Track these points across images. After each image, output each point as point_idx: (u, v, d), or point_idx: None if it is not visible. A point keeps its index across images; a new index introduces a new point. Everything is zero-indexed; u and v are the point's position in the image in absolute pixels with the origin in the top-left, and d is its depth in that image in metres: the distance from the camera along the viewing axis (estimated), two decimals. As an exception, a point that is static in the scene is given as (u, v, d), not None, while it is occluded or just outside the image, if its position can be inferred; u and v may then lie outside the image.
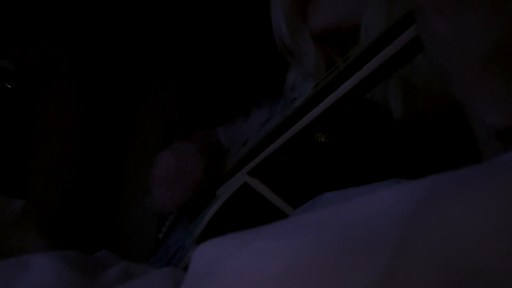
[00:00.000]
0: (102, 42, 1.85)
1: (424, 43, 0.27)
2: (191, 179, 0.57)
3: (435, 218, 0.14)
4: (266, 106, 0.67)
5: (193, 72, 1.83)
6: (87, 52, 1.78)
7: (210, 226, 0.43)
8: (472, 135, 0.27)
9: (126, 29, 1.94)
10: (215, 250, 0.18)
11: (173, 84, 1.88)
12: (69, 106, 1.68)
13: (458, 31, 0.23)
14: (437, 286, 0.12)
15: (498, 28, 0.22)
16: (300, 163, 0.51)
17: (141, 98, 1.95)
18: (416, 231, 0.14)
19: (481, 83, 0.23)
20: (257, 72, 1.55)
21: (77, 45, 1.73)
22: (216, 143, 0.73)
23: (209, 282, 0.16)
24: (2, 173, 1.38)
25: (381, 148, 0.48)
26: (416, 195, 0.15)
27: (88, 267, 0.31)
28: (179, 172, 0.58)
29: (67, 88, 1.68)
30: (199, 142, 0.63)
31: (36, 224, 0.42)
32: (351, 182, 0.37)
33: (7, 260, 0.30)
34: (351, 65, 0.35)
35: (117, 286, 0.30)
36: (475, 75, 0.23)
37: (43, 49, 1.59)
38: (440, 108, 0.45)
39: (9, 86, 1.49)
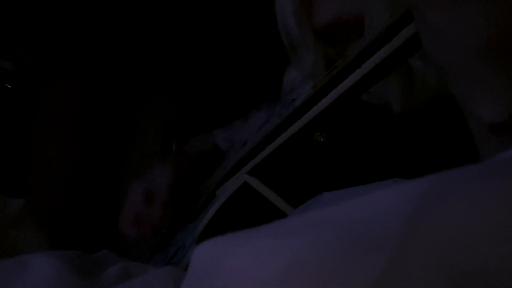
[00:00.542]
0: (102, 42, 1.85)
1: (421, 38, 0.27)
2: (155, 215, 0.58)
3: (435, 217, 0.13)
4: (264, 108, 0.68)
5: (193, 73, 1.83)
6: (87, 52, 1.78)
7: (210, 226, 0.43)
8: (468, 132, 0.27)
9: (126, 29, 1.94)
10: (215, 249, 0.18)
11: (173, 84, 1.88)
12: (69, 106, 1.68)
13: (454, 23, 0.23)
14: (437, 286, 0.12)
15: (494, 19, 0.21)
16: (299, 163, 0.51)
17: (141, 98, 1.95)
18: (416, 230, 0.14)
19: (477, 76, 0.23)
20: (256, 73, 1.55)
21: (77, 45, 1.73)
22: (211, 148, 0.73)
23: (209, 281, 0.16)
24: (2, 172, 1.38)
25: (379, 148, 0.49)
26: (416, 194, 0.15)
27: (88, 267, 0.31)
28: (143, 206, 0.59)
29: (67, 88, 1.68)
30: (166, 167, 0.63)
31: (36, 223, 0.42)
32: (350, 182, 0.37)
33: (7, 260, 0.30)
34: (350, 64, 0.35)
35: (117, 285, 0.30)
36: (470, 68, 0.23)
37: (43, 49, 1.59)
38: (436, 101, 0.45)
39: (9, 86, 1.49)
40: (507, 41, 0.21)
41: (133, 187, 0.62)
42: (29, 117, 1.52)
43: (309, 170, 0.51)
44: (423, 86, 0.46)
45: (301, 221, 0.17)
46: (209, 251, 0.18)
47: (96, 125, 1.78)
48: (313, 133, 0.51)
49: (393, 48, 0.32)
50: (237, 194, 0.43)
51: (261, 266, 0.15)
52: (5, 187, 1.37)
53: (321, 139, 0.51)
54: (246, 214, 0.42)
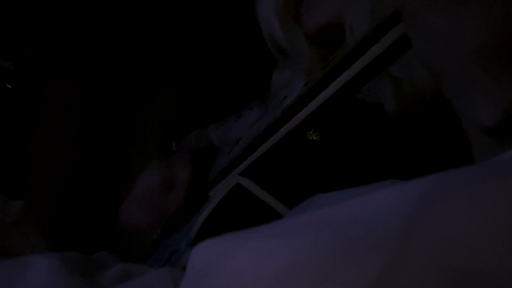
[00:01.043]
0: (102, 42, 1.85)
1: (413, 40, 0.27)
2: (172, 204, 0.55)
3: (435, 217, 0.14)
4: (256, 106, 0.67)
5: (193, 73, 1.83)
6: (87, 52, 1.77)
7: (204, 228, 0.43)
8: (462, 133, 0.27)
9: (126, 29, 1.94)
10: (213, 250, 0.18)
11: (173, 84, 1.88)
12: (69, 106, 1.68)
13: (450, 25, 0.23)
14: (437, 286, 0.12)
15: (492, 21, 0.21)
16: (293, 163, 0.50)
17: (141, 98, 1.95)
18: (416, 231, 0.14)
19: (472, 78, 0.23)
20: (252, 72, 1.54)
21: (77, 45, 1.73)
22: (206, 145, 0.72)
23: (207, 281, 0.16)
24: (2, 173, 1.38)
25: (374, 148, 0.48)
26: (415, 194, 0.15)
27: (88, 268, 0.31)
28: (160, 193, 0.56)
29: (67, 88, 1.67)
30: (185, 163, 0.61)
31: (36, 224, 0.42)
32: (344, 182, 0.37)
33: (6, 261, 0.30)
34: (341, 63, 0.35)
35: (116, 286, 0.30)
36: (466, 71, 0.23)
37: (43, 49, 1.59)
38: (426, 98, 0.46)
39: (9, 86, 1.49)
40: (504, 43, 0.21)
41: (149, 172, 0.59)
42: (29, 117, 1.52)
43: (303, 170, 0.51)
44: (412, 88, 0.46)
45: (300, 221, 0.17)
46: (207, 251, 0.18)
47: (96, 125, 1.78)
48: (305, 132, 0.51)
49: (384, 47, 0.32)
50: (230, 196, 0.43)
51: (260, 266, 0.15)
52: (5, 188, 1.37)
53: (314, 138, 0.51)
54: (240, 215, 0.42)
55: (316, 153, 0.51)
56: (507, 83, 0.22)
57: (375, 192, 0.17)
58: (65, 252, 0.32)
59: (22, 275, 0.29)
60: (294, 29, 0.57)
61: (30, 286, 0.28)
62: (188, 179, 0.55)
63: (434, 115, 0.46)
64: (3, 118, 1.44)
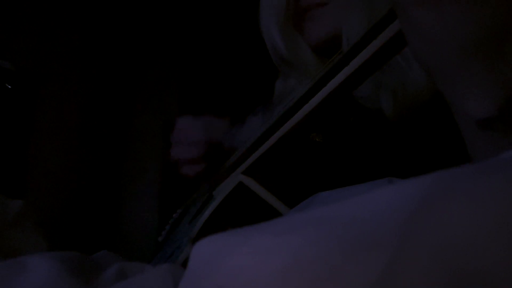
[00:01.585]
0: (102, 42, 1.85)
1: (407, 37, 0.27)
2: (212, 137, 0.59)
3: (436, 216, 0.14)
4: (260, 113, 0.68)
5: (193, 73, 1.83)
6: (87, 52, 1.78)
7: (206, 226, 0.43)
8: (458, 134, 0.27)
9: (126, 29, 1.94)
10: (214, 247, 0.18)
11: (173, 84, 1.88)
12: (69, 106, 1.68)
13: (439, 21, 0.23)
14: (437, 284, 0.12)
15: (480, 17, 0.21)
16: (295, 163, 0.51)
17: (141, 98, 1.95)
18: (417, 229, 0.14)
19: (463, 72, 0.23)
20: (253, 76, 1.55)
21: (77, 45, 1.73)
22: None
23: (208, 278, 0.16)
24: (1, 173, 1.38)
25: (374, 148, 0.49)
26: (416, 193, 0.15)
27: (87, 268, 0.31)
28: (201, 129, 0.59)
29: (67, 88, 1.68)
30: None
31: (35, 224, 0.42)
32: (345, 182, 0.37)
33: (5, 261, 0.30)
34: (339, 62, 0.36)
35: (116, 284, 0.30)
36: (456, 65, 0.23)
37: (43, 49, 1.59)
38: (420, 100, 0.47)
39: (9, 86, 1.49)
40: (492, 37, 0.21)
41: (185, 118, 0.63)
42: (29, 117, 1.52)
43: (304, 170, 0.51)
44: (406, 93, 0.48)
45: (301, 219, 0.17)
46: (208, 249, 0.18)
47: (96, 125, 1.78)
48: (307, 132, 0.51)
49: (378, 45, 0.33)
50: (233, 195, 0.43)
51: (260, 264, 0.15)
52: (5, 187, 1.37)
53: (317, 140, 0.52)
54: (242, 214, 0.43)
55: (318, 154, 0.51)
56: (495, 75, 0.22)
57: (376, 190, 0.16)
58: (64, 252, 0.32)
59: (21, 276, 0.29)
60: (296, 39, 0.58)
61: (29, 287, 0.28)
62: (220, 134, 0.59)
63: (430, 115, 0.47)
64: (3, 118, 1.44)
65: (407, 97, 0.48)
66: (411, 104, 0.48)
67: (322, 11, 0.55)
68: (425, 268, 0.13)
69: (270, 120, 0.43)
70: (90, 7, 1.78)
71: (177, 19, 1.89)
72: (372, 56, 0.33)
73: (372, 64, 0.34)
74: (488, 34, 0.22)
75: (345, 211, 0.16)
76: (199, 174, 0.62)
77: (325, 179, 0.49)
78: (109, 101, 1.87)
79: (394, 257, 0.13)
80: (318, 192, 0.37)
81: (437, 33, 0.23)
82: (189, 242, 0.43)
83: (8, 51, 1.48)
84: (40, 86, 1.57)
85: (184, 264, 0.43)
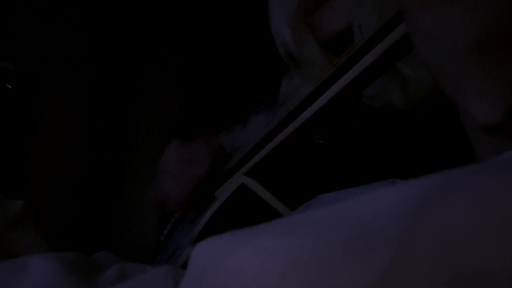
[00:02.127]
0: (102, 42, 1.85)
1: (413, 41, 0.27)
2: (197, 174, 0.57)
3: (437, 217, 0.14)
4: (262, 113, 0.68)
5: (193, 73, 1.83)
6: (87, 52, 1.77)
7: (208, 227, 0.43)
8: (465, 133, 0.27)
9: (126, 29, 1.94)
10: (215, 247, 0.18)
11: (173, 85, 1.88)
12: (69, 106, 1.68)
13: (442, 25, 0.23)
14: (439, 285, 0.12)
15: (480, 19, 0.21)
16: (297, 165, 0.51)
17: (141, 98, 1.95)
18: (418, 229, 0.14)
19: (467, 77, 0.23)
20: (255, 74, 1.55)
21: (77, 45, 1.73)
22: (219, 149, 0.73)
23: (210, 278, 0.16)
24: (2, 173, 1.38)
25: (377, 150, 0.49)
26: (417, 193, 0.15)
27: (87, 268, 0.31)
28: (187, 164, 0.58)
29: (67, 88, 1.67)
30: (207, 144, 0.63)
31: (36, 225, 0.42)
32: (348, 184, 0.37)
33: (5, 262, 0.30)
34: (346, 63, 0.36)
35: (116, 285, 0.30)
36: (461, 69, 0.23)
37: (43, 49, 1.59)
38: (433, 93, 0.47)
39: (9, 86, 1.49)
40: (496, 41, 0.21)
41: (172, 148, 0.61)
42: (29, 117, 1.52)
43: (306, 172, 0.51)
44: (417, 89, 0.47)
45: (303, 219, 0.17)
46: (209, 249, 0.18)
47: (96, 125, 1.78)
48: (310, 134, 0.51)
49: (385, 48, 0.32)
50: (235, 196, 0.43)
51: (262, 264, 0.15)
52: (5, 187, 1.37)
53: (320, 142, 0.51)
54: (244, 215, 0.42)
55: (320, 156, 0.51)
56: (501, 80, 0.22)
57: (378, 191, 0.16)
58: (64, 252, 0.32)
59: (21, 276, 0.29)
60: (306, 37, 0.58)
61: (29, 287, 0.28)
62: (209, 159, 0.57)
63: (438, 116, 0.46)
64: (3, 118, 1.43)
65: (418, 89, 0.47)
66: (422, 96, 0.47)
67: (335, 4, 0.55)
68: (427, 269, 0.13)
69: (273, 122, 0.43)
70: (90, 7, 1.78)
71: (177, 18, 1.88)
72: (378, 57, 0.33)
73: (377, 66, 0.34)
74: (489, 37, 0.21)
75: (347, 211, 0.16)
76: (184, 208, 0.60)
77: (327, 181, 0.48)
78: (109, 101, 1.86)
79: (396, 257, 0.13)
80: (320, 193, 0.37)
81: (440, 36, 0.23)
82: (190, 243, 0.43)
83: (8, 51, 1.48)
84: (40, 86, 1.57)
85: (185, 265, 0.43)
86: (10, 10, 1.49)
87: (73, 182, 1.64)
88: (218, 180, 0.52)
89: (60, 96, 1.64)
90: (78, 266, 0.30)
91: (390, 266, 0.13)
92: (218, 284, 0.16)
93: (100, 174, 1.76)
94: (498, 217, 0.13)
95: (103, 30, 1.86)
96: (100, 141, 1.79)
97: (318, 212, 0.17)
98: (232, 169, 0.48)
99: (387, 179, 0.35)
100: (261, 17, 0.63)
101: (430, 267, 0.13)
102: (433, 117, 0.47)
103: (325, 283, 0.14)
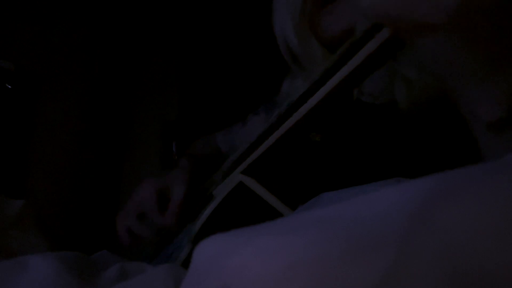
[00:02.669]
0: (102, 42, 1.85)
1: (414, 53, 0.28)
2: (163, 221, 0.56)
3: (439, 217, 0.14)
4: (262, 113, 0.68)
5: (193, 73, 1.83)
6: (87, 52, 1.78)
7: (206, 226, 0.43)
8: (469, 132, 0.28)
9: (126, 29, 1.94)
10: (218, 246, 0.18)
11: (173, 84, 1.88)
12: (69, 106, 1.68)
13: (437, 48, 0.24)
14: (440, 284, 0.12)
15: (477, 45, 0.23)
16: (295, 162, 0.51)
17: (141, 98, 1.95)
18: (420, 229, 0.14)
19: (471, 79, 0.24)
20: (255, 74, 1.55)
21: (77, 45, 1.73)
22: (214, 152, 0.73)
23: (212, 277, 0.16)
24: (2, 173, 1.38)
25: (378, 148, 0.49)
26: (419, 193, 0.15)
27: (87, 268, 0.31)
28: (154, 209, 0.57)
29: (67, 88, 1.68)
30: (177, 179, 0.61)
31: (36, 224, 0.42)
32: (347, 182, 0.37)
33: (6, 261, 0.30)
34: (338, 60, 0.36)
35: (117, 284, 0.30)
36: (464, 72, 0.24)
37: (43, 49, 1.59)
38: (434, 96, 0.47)
39: (9, 86, 1.49)
40: (490, 62, 0.22)
41: (145, 185, 0.60)
42: (29, 117, 1.52)
43: (305, 170, 0.51)
44: (425, 83, 0.47)
45: (305, 219, 0.17)
46: (211, 248, 0.18)
47: (96, 125, 1.78)
48: (308, 131, 0.51)
49: (378, 43, 0.32)
50: (232, 194, 0.43)
51: (264, 263, 0.15)
52: (5, 187, 1.37)
53: (318, 139, 0.51)
54: (242, 213, 0.42)
55: (319, 153, 0.51)
56: (504, 82, 0.23)
57: (380, 190, 0.17)
58: (64, 252, 0.32)
59: (21, 275, 0.29)
60: (309, 37, 0.58)
61: (29, 286, 0.28)
62: (182, 196, 0.55)
63: (441, 115, 0.46)
64: (3, 118, 1.44)
65: (422, 88, 0.47)
66: (426, 95, 0.47)
67: (339, 4, 0.55)
68: (428, 268, 0.13)
69: (270, 120, 0.43)
70: (90, 7, 1.78)
71: (178, 18, 1.89)
72: (372, 53, 0.33)
73: (370, 63, 0.34)
74: (485, 61, 0.22)
75: (348, 211, 0.16)
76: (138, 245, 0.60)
77: (326, 179, 0.48)
78: (109, 101, 1.87)
79: (397, 257, 0.13)
80: (319, 191, 0.37)
81: (437, 57, 0.24)
82: (189, 242, 0.43)
83: (8, 51, 1.48)
84: (40, 86, 1.57)
85: (184, 264, 0.42)
86: (10, 10, 1.49)
87: (73, 182, 1.64)
88: (217, 179, 0.51)
89: (60, 96, 1.64)
90: (78, 266, 0.30)
91: (391, 265, 0.13)
92: (220, 284, 0.16)
93: (100, 173, 1.76)
94: (500, 218, 0.13)
95: (103, 30, 1.86)
96: (100, 140, 1.79)
97: (319, 212, 0.17)
98: (230, 167, 0.48)
99: (391, 177, 0.35)
100: (262, 16, 0.63)
101: (431, 266, 0.13)
102: (435, 116, 0.47)
103: (327, 283, 0.14)
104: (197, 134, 0.80)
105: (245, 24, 1.60)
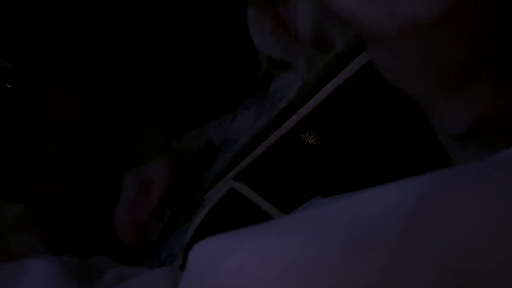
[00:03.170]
0: (102, 42, 1.85)
1: (376, 65, 0.28)
2: (151, 201, 0.56)
3: (437, 215, 0.14)
4: (253, 107, 0.67)
5: (194, 72, 1.83)
6: (87, 52, 1.77)
7: (198, 233, 0.42)
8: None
9: (126, 29, 1.94)
10: (213, 248, 0.18)
11: (173, 84, 1.88)
12: (69, 106, 1.67)
13: (399, 60, 0.24)
14: (438, 284, 0.13)
15: (438, 58, 0.22)
16: (287, 167, 0.50)
17: (141, 97, 1.94)
18: (417, 228, 0.14)
19: (434, 90, 0.24)
20: (247, 67, 1.54)
21: (77, 45, 1.72)
22: (206, 144, 0.72)
23: (208, 278, 0.16)
24: (1, 176, 1.38)
25: (377, 153, 0.48)
26: (417, 192, 0.15)
27: (86, 272, 0.31)
28: (142, 190, 0.57)
29: (67, 88, 1.67)
30: (163, 165, 0.62)
31: (36, 228, 0.42)
32: (342, 186, 0.37)
33: (5, 264, 0.30)
34: (332, 69, 0.35)
35: (115, 286, 0.30)
36: (432, 87, 0.24)
37: (44, 49, 1.59)
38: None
39: (9, 86, 1.49)
40: (464, 61, 0.22)
41: (127, 179, 0.61)
42: (29, 117, 1.52)
43: (297, 174, 0.51)
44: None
45: (302, 218, 0.17)
46: (207, 249, 0.18)
47: (96, 125, 1.78)
48: (301, 135, 0.50)
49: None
50: (224, 200, 0.43)
51: (260, 264, 0.15)
52: (5, 190, 1.37)
53: (309, 141, 0.51)
54: (234, 220, 0.42)
55: (311, 157, 0.51)
56: (465, 99, 0.23)
57: (376, 189, 0.17)
58: (64, 256, 0.32)
59: (20, 279, 0.29)
60: (288, 37, 0.57)
61: (29, 290, 0.28)
62: (164, 178, 0.56)
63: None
64: (3, 118, 1.43)
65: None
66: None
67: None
68: (427, 268, 0.13)
69: (261, 126, 0.42)
70: (90, 7, 1.77)
71: (178, 18, 1.88)
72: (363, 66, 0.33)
73: (365, 74, 0.34)
74: (446, 75, 0.22)
75: (346, 210, 0.16)
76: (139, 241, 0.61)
77: (320, 182, 0.48)
78: (110, 101, 1.86)
79: (394, 256, 0.13)
80: (312, 196, 0.36)
81: (399, 71, 0.24)
82: (181, 251, 0.43)
83: (8, 51, 1.48)
84: (40, 86, 1.57)
85: (181, 267, 0.42)
86: (10, 10, 1.48)
87: (73, 184, 1.64)
88: (208, 183, 0.51)
89: (60, 96, 1.64)
90: (77, 270, 0.30)
91: (389, 265, 0.13)
92: (216, 284, 0.16)
93: (99, 174, 1.76)
94: (499, 216, 0.13)
95: (103, 30, 1.85)
96: (101, 141, 1.79)
97: (317, 211, 0.17)
98: (221, 173, 0.47)
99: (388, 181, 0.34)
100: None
101: (430, 266, 0.13)
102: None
103: (325, 283, 0.14)
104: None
105: (244, 20, 1.60)
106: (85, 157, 1.70)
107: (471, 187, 0.14)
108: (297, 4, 0.52)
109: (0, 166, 1.39)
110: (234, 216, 0.41)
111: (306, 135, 0.50)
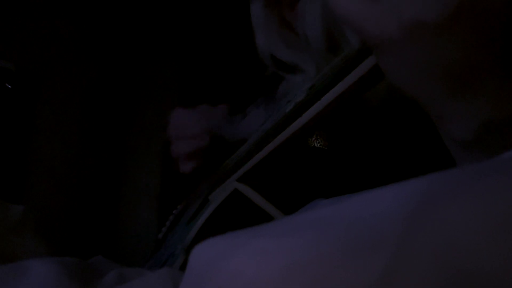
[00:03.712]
0: (102, 42, 1.85)
1: (385, 70, 0.28)
2: (206, 128, 0.57)
3: (436, 216, 0.14)
4: (262, 105, 0.67)
5: (194, 72, 1.83)
6: (87, 52, 1.77)
7: (200, 233, 0.42)
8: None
9: (126, 29, 1.94)
10: (213, 249, 0.18)
11: (174, 84, 1.88)
12: (69, 106, 1.67)
13: (405, 66, 0.24)
14: (437, 285, 0.12)
15: (442, 62, 0.22)
16: (292, 170, 0.50)
17: (142, 98, 1.94)
18: (417, 229, 0.14)
19: (441, 97, 0.24)
20: (256, 67, 1.54)
21: (77, 45, 1.73)
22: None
23: (208, 280, 0.16)
24: (1, 177, 1.38)
25: (382, 156, 0.48)
26: (417, 193, 0.15)
27: (86, 274, 0.31)
28: (195, 121, 0.59)
29: (67, 88, 1.67)
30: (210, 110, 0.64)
31: (36, 230, 0.42)
32: (344, 189, 0.37)
33: (5, 266, 0.30)
34: (339, 72, 0.35)
35: (116, 287, 0.30)
36: (438, 93, 0.24)
37: (43, 49, 1.59)
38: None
39: (9, 86, 1.49)
40: (469, 67, 0.22)
41: (178, 110, 0.63)
42: (29, 117, 1.52)
43: (301, 177, 0.51)
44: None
45: (302, 220, 0.17)
46: (207, 251, 0.18)
47: (96, 125, 1.78)
48: (306, 139, 0.51)
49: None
50: (227, 202, 0.43)
51: (260, 266, 0.15)
52: (5, 191, 1.37)
53: (316, 145, 0.51)
54: (237, 222, 0.42)
55: (317, 160, 0.51)
56: (470, 105, 0.23)
57: (376, 190, 0.17)
58: (64, 257, 0.32)
59: (21, 280, 0.29)
60: (294, 39, 0.57)
61: (29, 291, 0.28)
62: (217, 121, 0.58)
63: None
64: (3, 118, 1.43)
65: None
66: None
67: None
68: (427, 269, 0.13)
69: (267, 127, 0.43)
70: (90, 7, 1.78)
71: (178, 18, 1.88)
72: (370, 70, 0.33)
73: (372, 78, 0.34)
74: (452, 79, 0.22)
75: (345, 211, 0.16)
76: (199, 170, 0.62)
77: (322, 186, 0.48)
78: (109, 101, 1.86)
79: (394, 257, 0.13)
80: (315, 198, 0.36)
81: (404, 75, 0.24)
82: (183, 251, 0.43)
83: (8, 51, 1.48)
84: (40, 86, 1.57)
85: (182, 267, 0.42)
86: (10, 10, 1.48)
87: (73, 182, 1.64)
88: (213, 182, 0.51)
89: (60, 96, 1.64)
90: (78, 271, 0.30)
91: (389, 266, 0.13)
92: (217, 286, 0.16)
93: (100, 175, 1.76)
94: (499, 216, 0.13)
95: (103, 30, 1.86)
96: (100, 140, 1.79)
97: (317, 213, 0.17)
98: (226, 173, 0.47)
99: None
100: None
101: (430, 267, 0.13)
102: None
103: (325, 285, 0.14)
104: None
105: (246, 19, 1.60)
106: (85, 157, 1.70)
107: (471, 188, 0.14)
108: (305, 8, 0.52)
109: (0, 167, 1.38)
110: (237, 217, 0.41)
111: (313, 139, 0.50)
